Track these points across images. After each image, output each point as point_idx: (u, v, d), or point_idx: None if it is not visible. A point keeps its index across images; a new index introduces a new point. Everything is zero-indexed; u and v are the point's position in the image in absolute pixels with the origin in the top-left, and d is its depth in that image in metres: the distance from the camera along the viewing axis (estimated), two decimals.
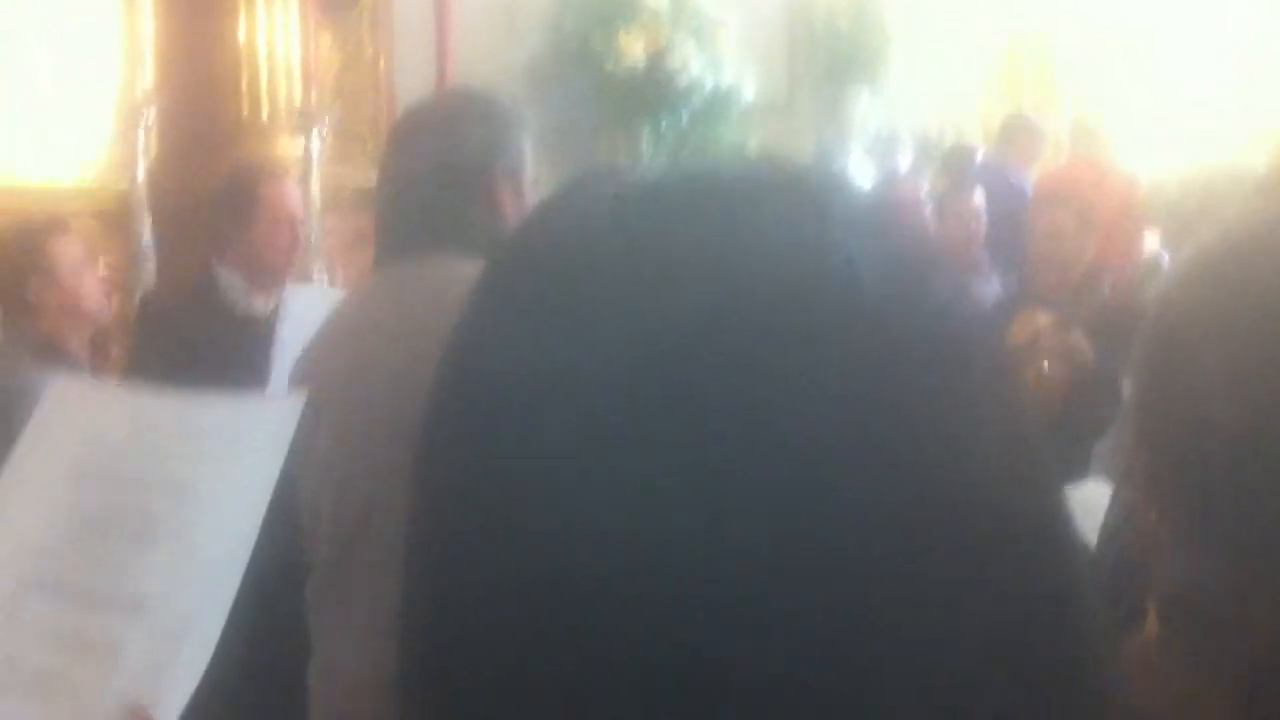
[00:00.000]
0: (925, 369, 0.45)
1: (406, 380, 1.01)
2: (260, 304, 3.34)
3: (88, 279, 3.24)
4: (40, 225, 3.31)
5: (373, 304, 2.12)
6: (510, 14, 6.17)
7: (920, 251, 0.50)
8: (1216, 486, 0.78)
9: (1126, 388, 1.03)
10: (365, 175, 4.29)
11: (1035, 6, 8.30)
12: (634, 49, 6.18)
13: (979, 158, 6.39)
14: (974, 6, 7.94)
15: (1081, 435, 3.11)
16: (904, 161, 6.97)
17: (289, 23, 4.81)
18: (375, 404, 1.91)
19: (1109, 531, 1.41)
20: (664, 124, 6.30)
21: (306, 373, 2.11)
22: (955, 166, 6.32)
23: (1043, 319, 3.60)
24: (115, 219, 4.53)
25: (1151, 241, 5.77)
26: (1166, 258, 4.08)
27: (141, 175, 4.49)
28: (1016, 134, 6.48)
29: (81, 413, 1.87)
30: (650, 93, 6.25)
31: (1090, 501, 1.54)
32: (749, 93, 6.63)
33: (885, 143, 7.06)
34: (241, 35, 4.72)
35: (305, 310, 2.70)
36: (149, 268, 4.46)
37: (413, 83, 5.32)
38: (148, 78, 4.58)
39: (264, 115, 4.74)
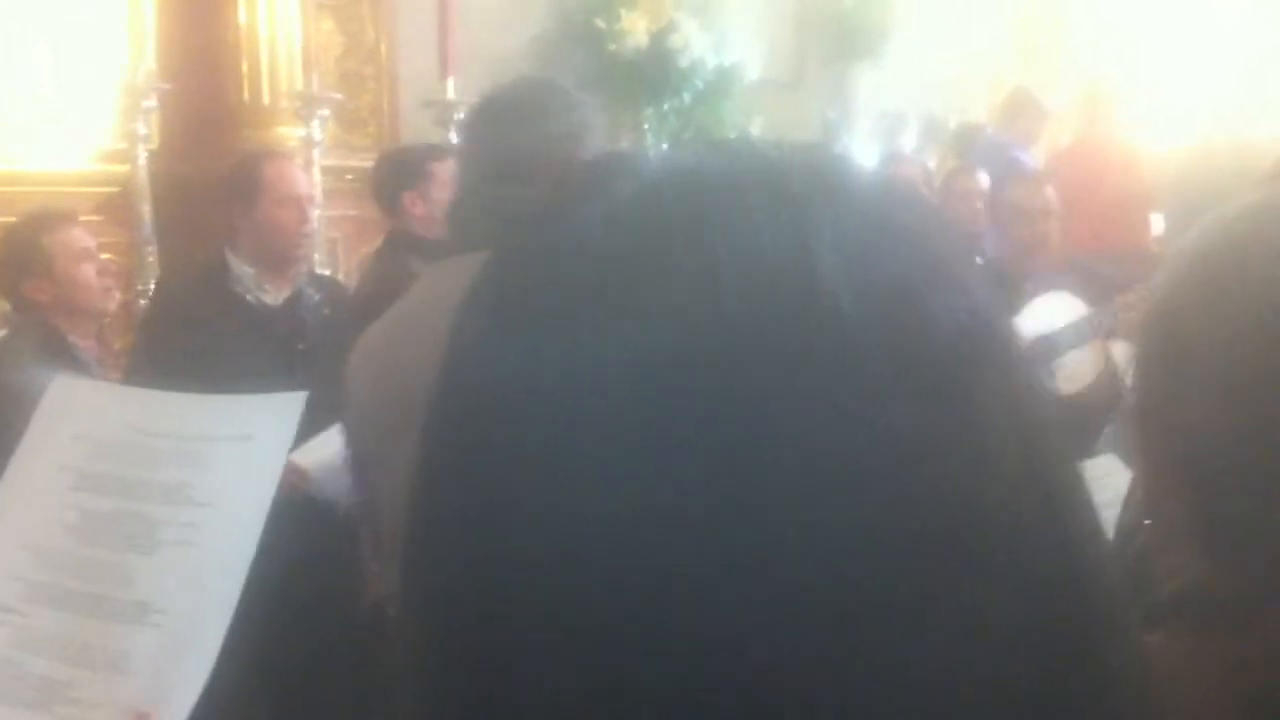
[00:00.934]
0: (938, 367, 0.45)
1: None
2: (270, 293, 3.32)
3: (87, 273, 3.20)
4: (39, 219, 3.28)
5: (429, 299, 2.05)
6: None
7: (934, 238, 0.49)
8: (1217, 487, 0.77)
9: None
10: (367, 161, 4.28)
11: None
12: (637, 28, 6.15)
13: (986, 136, 6.35)
14: None
15: (1094, 420, 3.12)
16: (909, 140, 6.94)
17: (290, 6, 4.79)
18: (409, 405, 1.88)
19: (1124, 531, 1.40)
20: (667, 104, 6.27)
21: (362, 366, 2.08)
22: (963, 146, 6.30)
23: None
24: (117, 207, 4.51)
25: (1157, 224, 5.75)
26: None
27: (143, 161, 4.47)
28: (1020, 109, 6.46)
29: (83, 415, 1.86)
30: (653, 72, 6.22)
31: (1101, 479, 1.53)
32: (753, 71, 6.60)
33: (890, 121, 7.02)
34: (242, 20, 4.70)
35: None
36: (150, 255, 4.45)
37: (415, 66, 5.29)
38: (150, 64, 4.56)
39: (265, 101, 4.72)
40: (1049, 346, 3.49)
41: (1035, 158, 6.35)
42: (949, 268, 0.48)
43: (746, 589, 0.42)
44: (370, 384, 2.05)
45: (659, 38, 6.18)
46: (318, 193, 3.96)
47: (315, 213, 3.57)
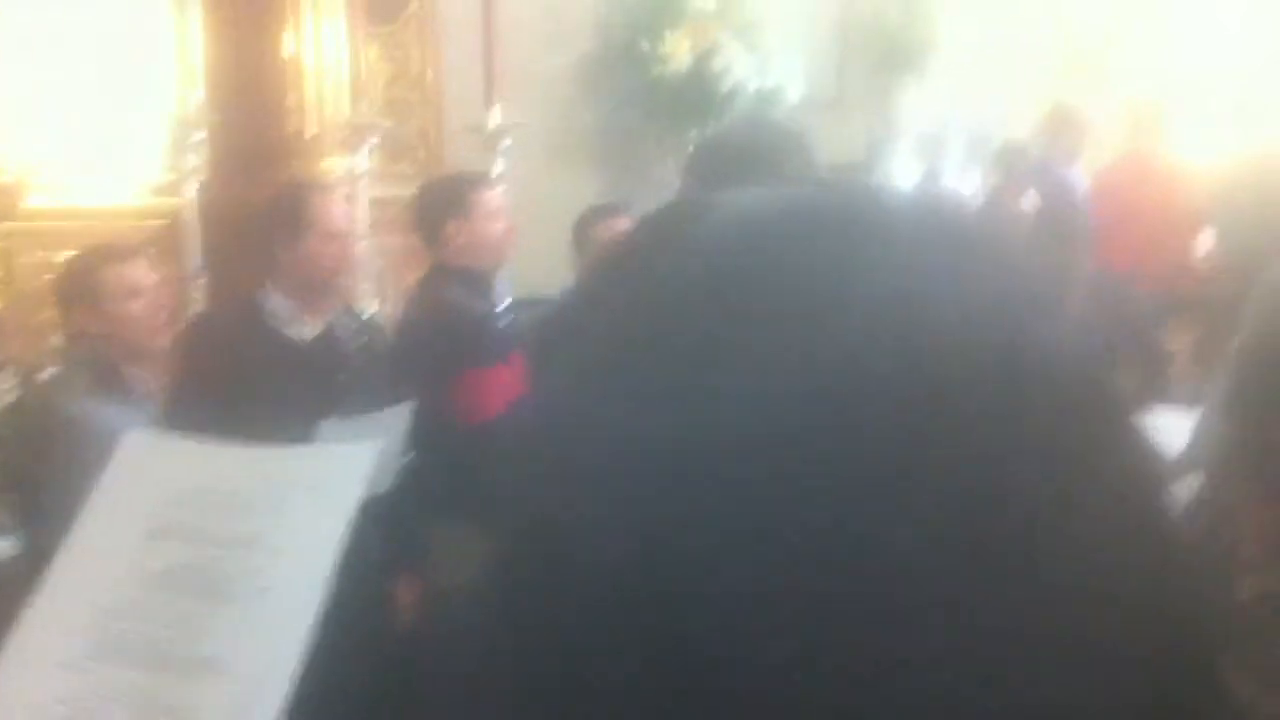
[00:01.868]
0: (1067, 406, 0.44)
1: None
2: (308, 326, 3.32)
3: (134, 309, 3.20)
4: (95, 253, 3.29)
5: None
6: (557, 18, 6.14)
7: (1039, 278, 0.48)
8: None
9: None
10: (413, 189, 4.28)
11: None
12: (680, 50, 6.15)
13: (1031, 155, 6.31)
14: None
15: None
16: (952, 159, 6.90)
17: (337, 36, 4.81)
18: None
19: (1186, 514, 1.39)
20: (710, 126, 6.27)
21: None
22: (1007, 165, 6.25)
23: None
24: (166, 239, 4.54)
25: (1205, 241, 5.66)
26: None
27: (192, 194, 4.50)
28: (1060, 127, 6.41)
29: (151, 467, 1.86)
30: (696, 94, 6.23)
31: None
32: (794, 94, 6.59)
33: (933, 140, 6.99)
34: (290, 50, 4.72)
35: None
36: (200, 288, 4.47)
37: (460, 91, 5.31)
38: (199, 96, 4.58)
39: (314, 131, 4.74)
40: None
41: (1080, 176, 6.30)
42: (1057, 306, 0.48)
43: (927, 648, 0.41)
44: None
45: (702, 60, 6.18)
46: (363, 223, 3.96)
47: (353, 246, 3.58)
